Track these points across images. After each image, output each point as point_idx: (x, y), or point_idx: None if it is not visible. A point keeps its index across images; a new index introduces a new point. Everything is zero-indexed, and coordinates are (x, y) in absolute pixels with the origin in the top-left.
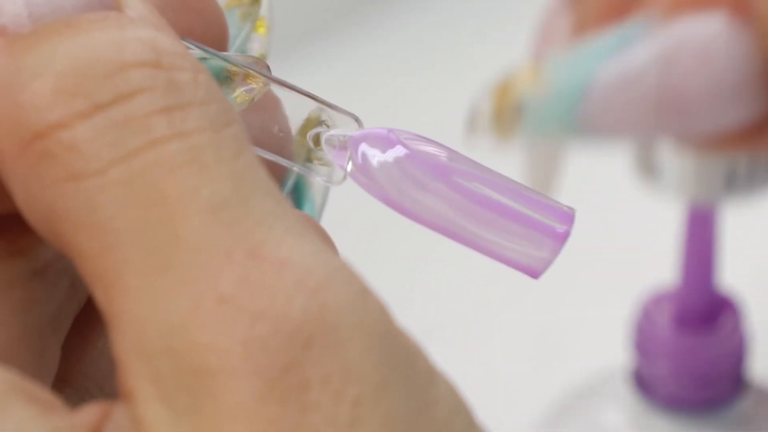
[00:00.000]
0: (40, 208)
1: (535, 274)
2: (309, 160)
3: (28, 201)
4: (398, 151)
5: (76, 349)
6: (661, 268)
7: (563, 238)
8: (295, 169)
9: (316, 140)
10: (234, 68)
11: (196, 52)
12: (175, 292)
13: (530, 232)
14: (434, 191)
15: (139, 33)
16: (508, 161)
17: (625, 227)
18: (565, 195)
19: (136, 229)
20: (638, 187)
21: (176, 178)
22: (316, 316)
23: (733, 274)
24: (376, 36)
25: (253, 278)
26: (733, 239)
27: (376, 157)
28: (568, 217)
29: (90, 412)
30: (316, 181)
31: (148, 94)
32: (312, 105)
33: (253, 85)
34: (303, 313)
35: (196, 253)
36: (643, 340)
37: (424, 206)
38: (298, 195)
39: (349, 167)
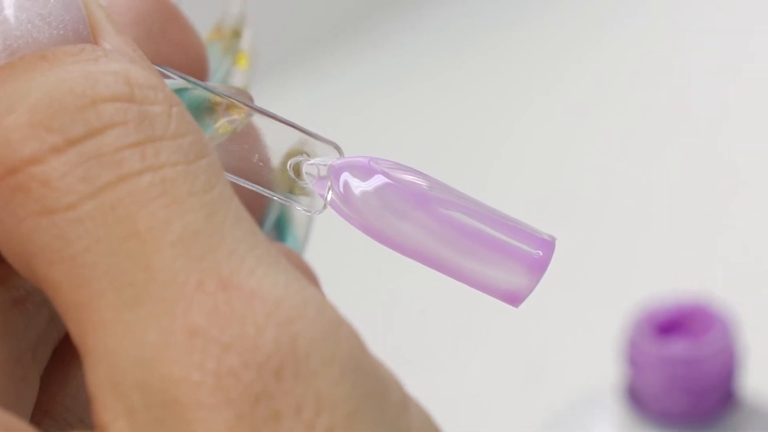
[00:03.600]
0: (14, 242)
1: (514, 302)
2: (291, 191)
3: (2, 235)
4: (379, 180)
5: (56, 381)
6: (650, 282)
7: (542, 266)
8: (275, 198)
9: (297, 170)
10: (217, 98)
11: (179, 81)
12: (147, 326)
13: (509, 262)
14: (414, 220)
15: (113, 66)
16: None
17: (614, 242)
18: (554, 210)
19: (109, 262)
20: (628, 203)
21: (148, 212)
22: (286, 347)
23: (726, 289)
24: (367, 55)
25: (223, 310)
26: (727, 253)
27: (356, 186)
28: (547, 245)
29: None
30: (298, 212)
31: (120, 128)
32: (294, 134)
33: (236, 116)
34: (274, 344)
35: (168, 286)
36: (634, 354)
37: (404, 235)
38: (281, 229)
39: (329, 196)
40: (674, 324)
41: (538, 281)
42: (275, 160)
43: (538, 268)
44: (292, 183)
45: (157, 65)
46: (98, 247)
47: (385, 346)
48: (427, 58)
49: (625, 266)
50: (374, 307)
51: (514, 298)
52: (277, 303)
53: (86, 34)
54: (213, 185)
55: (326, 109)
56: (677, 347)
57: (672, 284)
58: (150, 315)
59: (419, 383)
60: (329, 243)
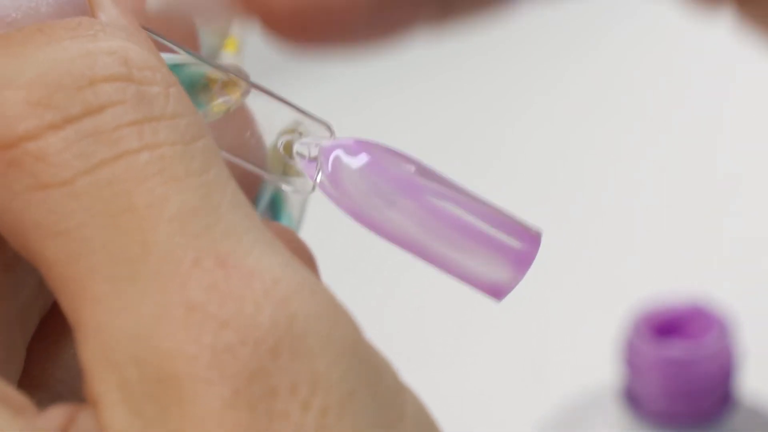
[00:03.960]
0: (7, 216)
1: (498, 296)
2: (285, 173)
3: None
4: (367, 161)
5: (50, 353)
6: (648, 284)
7: (527, 262)
8: (266, 176)
9: (288, 149)
10: (213, 76)
11: (177, 57)
12: (143, 300)
13: (494, 255)
14: (400, 206)
15: (111, 44)
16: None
17: (612, 244)
18: (552, 211)
19: (105, 237)
20: (624, 204)
21: (145, 188)
22: (284, 326)
23: (724, 290)
24: (368, 56)
25: (221, 287)
26: (725, 254)
27: (345, 167)
28: (534, 239)
29: (56, 415)
30: (289, 191)
31: (118, 107)
32: (288, 113)
33: (231, 96)
34: (271, 322)
35: (165, 262)
36: (632, 355)
37: (389, 220)
38: (275, 208)
39: (319, 177)
40: (672, 325)
41: (522, 277)
42: (267, 137)
43: (523, 263)
44: (287, 167)
45: (157, 35)
46: (93, 221)
47: (382, 345)
48: (428, 59)
49: (623, 268)
50: (373, 306)
51: (497, 292)
52: (275, 282)
53: (83, 5)
54: (210, 166)
55: (327, 110)
56: (675, 349)
57: (670, 286)
58: (146, 289)
59: (417, 384)
60: (327, 238)
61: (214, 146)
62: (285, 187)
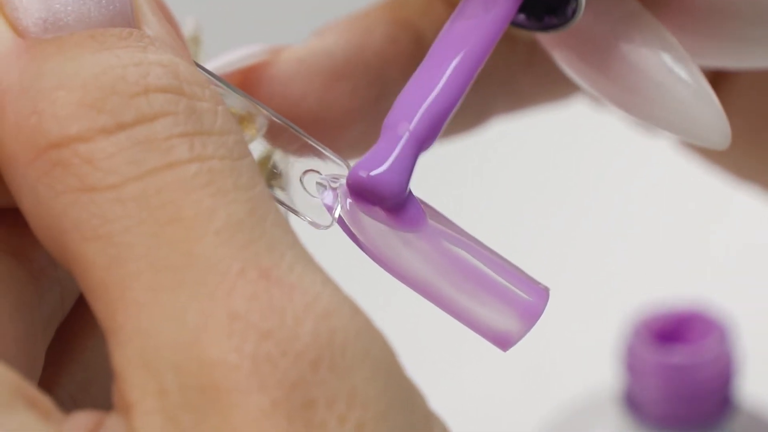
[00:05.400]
0: (47, 215)
1: (504, 345)
2: (269, 186)
3: (35, 207)
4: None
5: (56, 361)
6: (648, 289)
7: (536, 315)
8: (284, 206)
9: (305, 183)
10: (232, 111)
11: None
12: (186, 308)
13: (505, 306)
14: (417, 248)
15: (161, 57)
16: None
17: (612, 249)
18: (552, 215)
19: (150, 244)
20: (625, 209)
21: (194, 199)
22: (324, 340)
23: (724, 296)
24: None
25: (264, 298)
26: (725, 260)
27: (363, 207)
28: (542, 295)
29: (82, 419)
30: (307, 222)
31: (170, 118)
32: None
33: (247, 132)
34: (312, 336)
35: (209, 271)
36: (632, 360)
37: (405, 262)
38: None
39: (338, 213)
40: (672, 331)
41: (529, 329)
42: (281, 165)
43: (531, 316)
44: (272, 180)
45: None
46: (138, 228)
47: None
48: None
49: (624, 273)
50: (374, 307)
51: (504, 342)
52: (316, 298)
53: (132, 19)
54: (255, 183)
55: None
56: (675, 354)
57: (669, 291)
58: (190, 298)
59: (418, 386)
60: (327, 234)
61: (257, 166)
62: (304, 219)
